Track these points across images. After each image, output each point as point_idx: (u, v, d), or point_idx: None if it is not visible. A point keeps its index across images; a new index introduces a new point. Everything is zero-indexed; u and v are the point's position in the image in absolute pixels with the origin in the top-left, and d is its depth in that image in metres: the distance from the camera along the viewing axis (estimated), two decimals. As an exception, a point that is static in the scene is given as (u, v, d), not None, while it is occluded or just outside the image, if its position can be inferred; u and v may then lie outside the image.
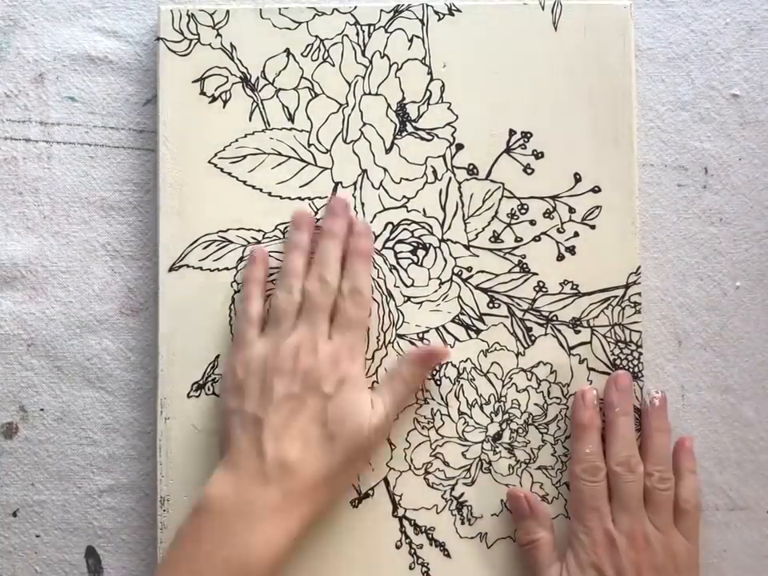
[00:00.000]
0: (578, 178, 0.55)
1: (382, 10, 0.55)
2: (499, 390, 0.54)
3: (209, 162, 0.55)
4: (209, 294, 0.54)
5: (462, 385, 0.54)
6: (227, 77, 0.55)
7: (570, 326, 0.54)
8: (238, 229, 0.55)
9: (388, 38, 0.55)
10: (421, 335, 0.54)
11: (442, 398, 0.54)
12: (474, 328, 0.54)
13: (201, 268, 0.54)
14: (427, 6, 0.55)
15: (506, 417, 0.54)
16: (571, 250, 0.55)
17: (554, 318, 0.54)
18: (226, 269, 0.54)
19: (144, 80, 0.56)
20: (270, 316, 0.52)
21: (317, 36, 0.55)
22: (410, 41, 0.55)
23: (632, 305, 0.54)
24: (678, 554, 0.50)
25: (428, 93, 0.55)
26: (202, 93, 0.55)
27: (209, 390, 0.54)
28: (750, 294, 0.55)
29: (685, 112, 0.56)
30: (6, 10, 0.55)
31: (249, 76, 0.55)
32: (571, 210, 0.55)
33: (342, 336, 0.51)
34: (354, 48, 0.55)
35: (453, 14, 0.55)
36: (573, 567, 0.50)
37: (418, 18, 0.55)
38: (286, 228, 0.55)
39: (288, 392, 0.49)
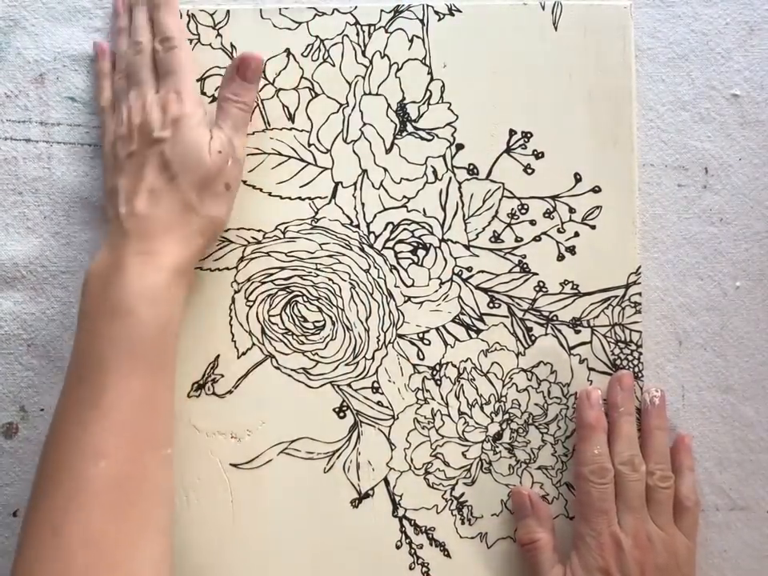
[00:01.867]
0: (578, 178, 0.55)
1: (382, 11, 0.55)
2: (499, 390, 0.54)
3: (209, 161, 0.55)
4: (209, 294, 0.54)
5: (462, 385, 0.54)
6: (227, 77, 0.55)
7: (570, 325, 0.54)
8: (237, 228, 0.54)
9: (388, 38, 0.55)
10: (421, 335, 0.54)
11: (442, 398, 0.54)
12: (475, 328, 0.54)
13: (201, 268, 0.54)
14: (427, 6, 0.55)
15: (507, 417, 0.54)
16: (571, 250, 0.55)
17: (555, 318, 0.54)
18: (227, 269, 0.54)
19: None
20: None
21: (317, 36, 0.55)
22: (411, 41, 0.55)
23: (632, 305, 0.54)
24: (679, 552, 0.50)
25: (428, 93, 0.55)
26: (203, 93, 0.55)
27: (209, 389, 0.54)
28: (750, 294, 0.55)
29: (685, 112, 0.56)
30: (6, 10, 0.55)
31: (249, 76, 0.55)
32: (571, 210, 0.55)
33: (165, 84, 0.52)
34: (354, 48, 0.55)
35: (453, 14, 0.55)
36: (578, 570, 0.50)
37: (418, 18, 0.55)
38: (286, 228, 0.55)
39: (128, 152, 0.50)
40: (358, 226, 0.55)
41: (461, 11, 0.55)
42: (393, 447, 0.54)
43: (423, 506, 0.54)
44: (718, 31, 0.56)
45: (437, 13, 0.55)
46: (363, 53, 0.55)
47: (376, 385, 0.54)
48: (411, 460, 0.54)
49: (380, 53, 0.55)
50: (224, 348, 0.54)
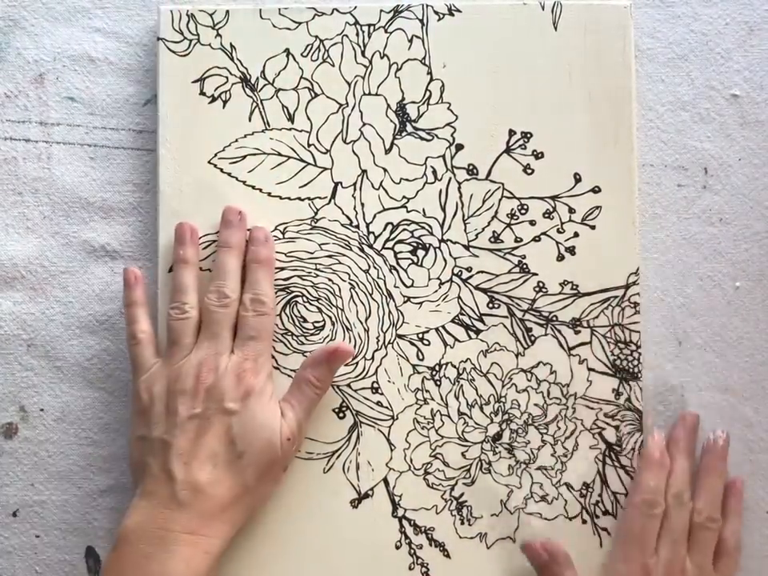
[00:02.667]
0: (577, 178, 0.55)
1: (381, 10, 0.55)
2: (499, 390, 0.54)
3: (209, 162, 0.55)
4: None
5: (461, 385, 0.54)
6: (227, 77, 0.55)
7: (570, 326, 0.54)
8: (237, 229, 0.54)
9: (388, 38, 0.55)
10: (421, 335, 0.54)
11: (441, 399, 0.54)
12: (474, 328, 0.54)
13: (200, 269, 0.54)
14: (427, 6, 0.55)
15: (506, 417, 0.54)
16: (571, 250, 0.55)
17: (554, 319, 0.54)
18: (226, 269, 0.54)
19: (144, 80, 0.56)
20: (167, 336, 0.51)
21: (316, 36, 0.55)
22: (410, 41, 0.55)
23: (632, 305, 0.54)
24: None
25: (428, 93, 0.55)
26: (202, 93, 0.55)
27: (209, 390, 0.54)
28: (750, 295, 0.55)
29: (685, 112, 0.55)
30: (6, 11, 0.55)
31: (249, 76, 0.55)
32: (571, 210, 0.55)
33: (244, 348, 0.50)
34: (353, 48, 0.55)
35: (453, 14, 0.55)
36: None
37: (417, 18, 0.55)
38: (285, 228, 0.54)
39: (191, 412, 0.48)
40: (357, 227, 0.55)
41: (460, 11, 0.55)
42: (392, 447, 0.54)
43: (423, 507, 0.54)
44: (718, 31, 0.56)
45: (436, 13, 0.55)
46: (363, 53, 0.55)
47: (375, 385, 0.54)
48: (411, 460, 0.54)
49: (379, 53, 0.55)
50: (224, 348, 0.54)
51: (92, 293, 0.55)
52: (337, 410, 0.54)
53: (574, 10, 0.55)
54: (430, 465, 0.54)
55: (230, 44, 0.55)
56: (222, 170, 0.55)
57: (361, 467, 0.54)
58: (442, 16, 0.55)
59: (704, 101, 0.56)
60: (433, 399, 0.54)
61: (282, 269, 0.54)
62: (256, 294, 0.51)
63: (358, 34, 0.55)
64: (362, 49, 0.55)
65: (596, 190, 0.55)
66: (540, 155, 0.55)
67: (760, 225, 0.56)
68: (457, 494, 0.54)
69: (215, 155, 0.55)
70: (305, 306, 0.54)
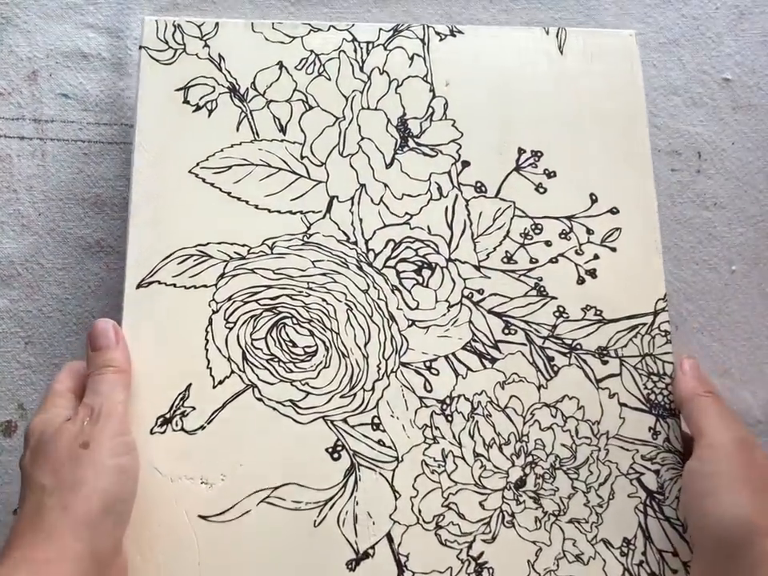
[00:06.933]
0: (593, 199, 0.50)
1: (381, 29, 0.52)
2: (520, 427, 0.46)
3: (189, 171, 0.49)
4: (182, 315, 0.47)
5: (476, 422, 0.46)
6: (214, 86, 0.50)
7: (597, 355, 0.48)
8: (219, 243, 0.48)
9: (387, 55, 0.52)
10: (428, 364, 0.47)
11: (454, 437, 0.46)
12: (489, 357, 0.47)
13: (174, 285, 0.47)
14: (428, 26, 0.52)
15: (530, 459, 0.46)
16: (592, 273, 0.49)
17: (578, 347, 0.48)
18: (204, 286, 0.47)
19: (137, 75, 0.52)
20: None
21: (312, 51, 0.51)
22: (411, 59, 0.52)
23: (662, 333, 0.49)
24: None
25: (430, 109, 0.51)
26: (186, 102, 0.50)
27: (176, 425, 0.45)
28: (746, 278, 0.55)
29: (677, 97, 0.56)
30: (-1, 8, 0.55)
31: (238, 86, 0.51)
32: (589, 232, 0.50)
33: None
34: (351, 63, 0.51)
35: (455, 35, 0.52)
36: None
37: (418, 37, 0.52)
38: (274, 243, 0.48)
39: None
40: (355, 243, 0.49)
41: (462, 33, 0.53)
42: (397, 496, 0.45)
43: (435, 569, 0.44)
44: (709, 16, 0.57)
45: (438, 33, 0.52)
46: (361, 68, 0.51)
47: (377, 421, 0.46)
48: (419, 511, 0.45)
49: (379, 69, 0.52)
50: (197, 376, 0.46)
51: (88, 289, 0.54)
52: (331, 450, 0.45)
53: (580, 35, 0.53)
54: (442, 517, 0.45)
55: (219, 54, 0.51)
56: (204, 180, 0.49)
57: (359, 520, 0.45)
58: (443, 37, 0.52)
59: (696, 85, 0.56)
60: (444, 437, 0.46)
61: (270, 287, 0.47)
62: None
63: (356, 50, 0.52)
64: (361, 65, 0.51)
65: (614, 211, 0.50)
66: (552, 174, 0.51)
67: (754, 208, 0.55)
68: (475, 553, 0.44)
69: (197, 164, 0.49)
70: (294, 329, 0.47)
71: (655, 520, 0.46)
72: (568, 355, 0.48)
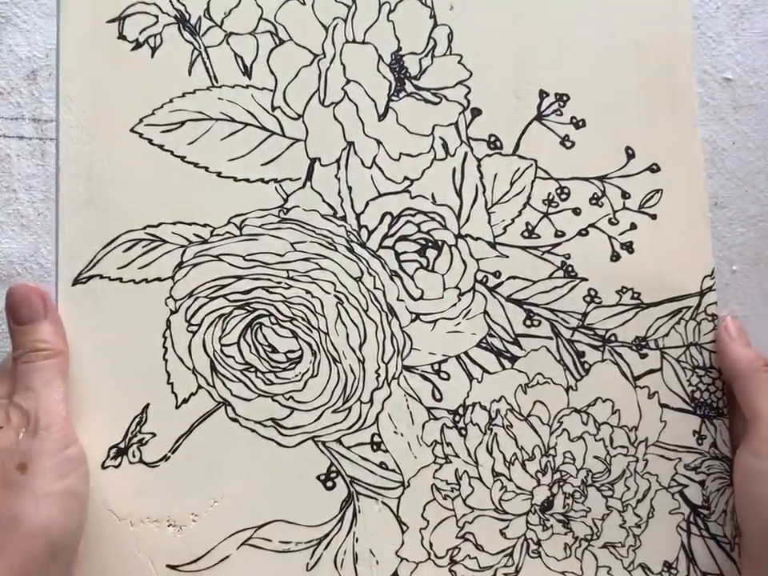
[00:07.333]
0: (630, 154, 0.42)
1: (366, -64, 0.41)
2: (546, 439, 0.40)
3: (131, 130, 0.39)
4: (132, 317, 0.38)
5: (495, 434, 0.39)
6: (157, 15, 0.40)
7: (634, 347, 0.41)
8: (174, 223, 0.39)
9: (376, -30, 0.41)
10: (437, 367, 0.39)
11: (469, 454, 0.39)
12: (508, 355, 0.40)
13: (120, 279, 0.38)
14: (426, -69, 0.41)
15: (557, 476, 0.40)
16: (628, 247, 0.41)
17: (612, 338, 0.41)
18: (158, 279, 0.39)
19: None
20: None
21: (280, -34, 0.40)
22: (406, -26, 0.41)
23: (709, 318, 0.42)
24: None
25: (431, 42, 0.41)
26: (121, 36, 0.39)
27: (134, 456, 0.37)
28: (747, 278, 0.54)
29: None
30: (-4, 7, 0.52)
31: (188, 15, 0.40)
32: (625, 195, 0.42)
33: None
34: (331, -19, 0.41)
35: (459, -56, 0.42)
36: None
37: (414, -54, 0.41)
38: (243, 222, 0.39)
39: None
40: (344, 218, 0.40)
41: (469, -59, 0.42)
42: (404, 528, 0.39)
43: (450, 612, 0.38)
44: (709, 15, 0.55)
45: (438, -59, 0.42)
46: (343, -12, 0.41)
47: (377, 439, 0.39)
48: (430, 545, 0.39)
49: (366, -11, 0.41)
50: (156, 394, 0.38)
51: (87, 289, 0.52)
52: (323, 478, 0.38)
53: (612, -56, 0.43)
54: (457, 550, 0.39)
55: (161, -28, 0.40)
56: (150, 140, 0.39)
57: (360, 560, 0.38)
58: (445, -54, 0.42)
59: (697, 85, 0.53)
60: (457, 456, 0.39)
61: (240, 277, 0.39)
62: None
63: (335, -36, 0.41)
64: (342, -17, 0.41)
65: (654, 168, 0.42)
66: (581, 123, 0.42)
67: (755, 208, 0.54)
68: (496, 589, 0.38)
69: (140, 121, 0.39)
70: (273, 330, 0.39)
71: (699, 539, 0.40)
72: (601, 349, 0.41)
